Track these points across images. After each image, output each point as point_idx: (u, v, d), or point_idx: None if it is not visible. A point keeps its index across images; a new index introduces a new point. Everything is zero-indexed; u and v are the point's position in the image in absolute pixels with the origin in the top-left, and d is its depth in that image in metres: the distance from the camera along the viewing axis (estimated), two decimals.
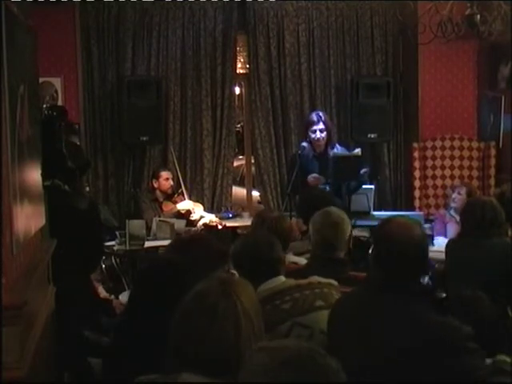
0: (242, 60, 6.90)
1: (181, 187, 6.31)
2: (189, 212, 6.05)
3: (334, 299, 2.48)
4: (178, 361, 1.64)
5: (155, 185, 6.16)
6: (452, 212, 5.71)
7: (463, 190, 5.71)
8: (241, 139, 7.82)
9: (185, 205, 6.08)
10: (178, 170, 6.26)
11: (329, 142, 5.47)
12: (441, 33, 5.32)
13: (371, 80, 6.75)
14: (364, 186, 5.57)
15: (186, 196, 6.19)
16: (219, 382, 1.61)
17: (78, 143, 4.23)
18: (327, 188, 5.19)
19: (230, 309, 1.66)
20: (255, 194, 7.25)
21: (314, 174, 5.23)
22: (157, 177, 6.17)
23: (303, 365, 1.24)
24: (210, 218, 6.23)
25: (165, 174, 6.18)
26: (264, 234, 2.92)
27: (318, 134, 5.39)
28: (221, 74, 6.63)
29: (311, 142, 5.44)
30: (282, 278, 2.61)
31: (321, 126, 5.40)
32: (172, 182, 6.22)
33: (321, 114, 5.57)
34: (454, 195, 5.78)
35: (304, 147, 5.42)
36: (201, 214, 6.19)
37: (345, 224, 3.14)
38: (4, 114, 2.45)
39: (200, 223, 6.13)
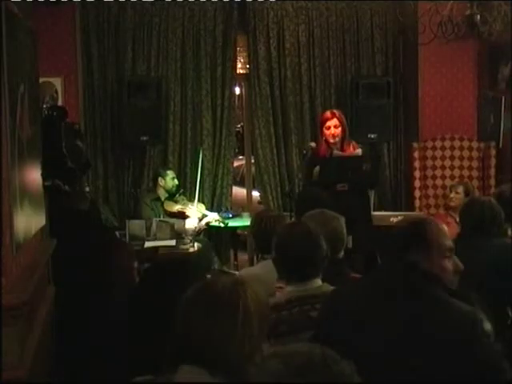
0: (242, 60, 6.90)
1: (181, 188, 6.34)
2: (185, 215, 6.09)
3: None
4: (176, 353, 1.65)
5: (161, 183, 6.19)
6: (451, 212, 5.73)
7: (460, 189, 5.74)
8: (241, 139, 7.82)
9: (195, 213, 6.10)
10: (199, 172, 6.25)
11: (345, 139, 5.36)
12: (441, 33, 5.33)
13: (371, 80, 6.74)
14: None
15: (196, 195, 6.18)
16: (218, 381, 1.61)
17: (82, 146, 4.23)
18: (346, 186, 5.12)
19: (232, 306, 1.67)
20: (255, 194, 7.25)
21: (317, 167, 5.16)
22: (163, 175, 6.20)
23: (317, 372, 1.23)
24: (212, 217, 6.26)
25: (171, 173, 6.24)
26: (313, 227, 2.70)
27: (333, 130, 5.27)
28: (221, 74, 6.63)
29: (326, 139, 5.34)
30: (319, 282, 2.54)
31: (335, 121, 5.29)
32: (177, 182, 6.25)
33: (335, 110, 5.50)
34: (451, 194, 5.79)
35: (311, 147, 5.38)
36: (203, 213, 6.21)
37: (340, 224, 3.14)
38: (4, 114, 2.45)
39: (203, 222, 6.16)
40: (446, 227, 2.23)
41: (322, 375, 1.22)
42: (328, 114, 5.38)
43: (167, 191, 6.21)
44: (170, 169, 6.35)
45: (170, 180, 6.20)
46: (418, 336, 1.97)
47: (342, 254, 3.09)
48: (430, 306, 2.02)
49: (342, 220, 3.16)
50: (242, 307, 1.67)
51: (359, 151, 5.43)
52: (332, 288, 2.47)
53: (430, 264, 2.12)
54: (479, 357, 1.94)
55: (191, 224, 5.93)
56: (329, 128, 5.27)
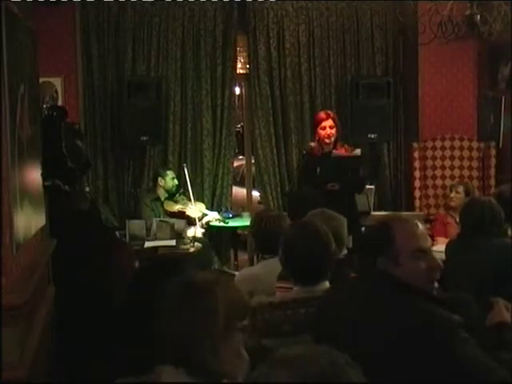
0: (242, 60, 6.90)
1: (181, 188, 6.34)
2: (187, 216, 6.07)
3: None
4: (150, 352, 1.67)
5: (161, 183, 6.19)
6: (451, 212, 5.73)
7: (460, 188, 5.74)
8: (241, 139, 7.82)
9: (195, 212, 6.09)
10: (188, 179, 6.22)
11: (338, 141, 5.40)
12: (441, 33, 5.33)
13: (371, 80, 6.74)
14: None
15: (192, 202, 6.16)
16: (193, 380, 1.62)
17: (81, 145, 4.23)
18: (336, 186, 5.15)
19: (197, 300, 1.67)
20: (255, 194, 7.25)
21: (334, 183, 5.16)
22: (163, 175, 6.20)
23: (325, 381, 1.22)
24: (213, 216, 6.27)
25: (171, 173, 6.24)
26: (321, 226, 2.66)
27: (328, 130, 5.29)
28: (221, 74, 6.63)
29: (320, 139, 5.37)
30: (327, 284, 2.53)
31: (330, 122, 5.33)
32: (177, 182, 6.25)
33: (329, 111, 5.54)
34: (452, 194, 5.79)
35: (311, 147, 5.39)
36: (203, 212, 6.21)
37: (342, 224, 3.13)
38: (4, 114, 2.45)
39: (203, 221, 6.15)
40: (418, 227, 2.15)
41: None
42: (323, 114, 5.42)
43: (167, 191, 6.21)
44: (169, 169, 6.36)
45: (169, 180, 6.20)
46: (393, 343, 1.97)
47: (342, 254, 3.09)
48: (399, 315, 2.01)
49: (344, 220, 3.15)
50: (207, 302, 1.66)
51: (358, 151, 5.44)
52: None
53: (400, 269, 2.08)
54: (460, 360, 1.93)
55: (192, 232, 5.92)
56: (324, 128, 5.30)
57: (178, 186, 6.28)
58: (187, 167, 6.32)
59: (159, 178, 6.22)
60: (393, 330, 1.98)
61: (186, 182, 6.19)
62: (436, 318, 1.98)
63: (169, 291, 1.72)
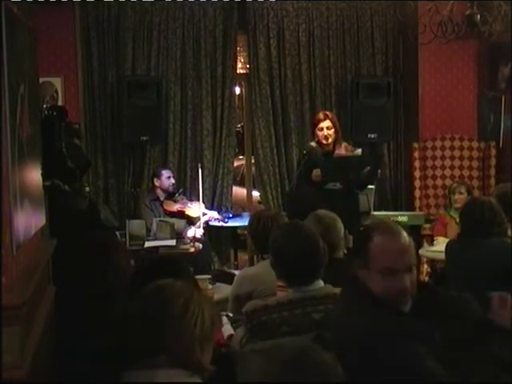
0: (242, 60, 6.90)
1: (181, 187, 6.33)
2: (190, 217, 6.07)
3: None
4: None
5: (156, 183, 6.17)
6: (452, 212, 5.73)
7: (463, 189, 5.76)
8: (241, 139, 7.82)
9: (195, 212, 6.08)
10: (201, 180, 6.18)
11: (337, 141, 5.41)
12: (441, 33, 5.33)
13: (371, 80, 6.75)
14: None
15: (200, 202, 6.13)
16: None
17: (80, 144, 4.24)
18: (337, 185, 5.16)
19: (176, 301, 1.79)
20: (255, 194, 7.25)
21: (318, 169, 5.18)
22: (158, 175, 6.19)
23: (300, 365, 1.25)
24: (212, 215, 6.26)
25: (166, 173, 6.21)
26: (309, 227, 2.68)
27: (325, 131, 5.31)
28: (221, 73, 6.63)
29: (319, 140, 5.39)
30: (321, 283, 2.52)
31: (328, 123, 5.34)
32: (173, 181, 6.23)
33: (328, 112, 5.56)
34: (455, 196, 5.79)
35: (311, 147, 5.40)
36: (203, 211, 6.21)
37: (337, 223, 3.14)
38: (4, 114, 2.45)
39: (202, 221, 6.15)
40: (399, 242, 2.09)
41: (307, 368, 1.24)
42: (321, 115, 5.44)
43: (164, 191, 6.19)
44: (165, 168, 6.32)
45: (165, 179, 6.18)
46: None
47: (341, 253, 3.09)
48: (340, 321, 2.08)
49: (337, 217, 3.17)
50: (184, 302, 1.78)
51: (359, 151, 5.45)
52: (334, 289, 2.47)
53: (371, 278, 2.10)
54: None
55: (192, 232, 5.91)
56: (322, 129, 5.32)
57: (176, 185, 6.26)
58: (202, 167, 6.25)
59: (155, 179, 6.21)
60: (347, 339, 2.03)
61: (199, 183, 6.16)
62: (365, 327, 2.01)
63: (166, 297, 1.81)
